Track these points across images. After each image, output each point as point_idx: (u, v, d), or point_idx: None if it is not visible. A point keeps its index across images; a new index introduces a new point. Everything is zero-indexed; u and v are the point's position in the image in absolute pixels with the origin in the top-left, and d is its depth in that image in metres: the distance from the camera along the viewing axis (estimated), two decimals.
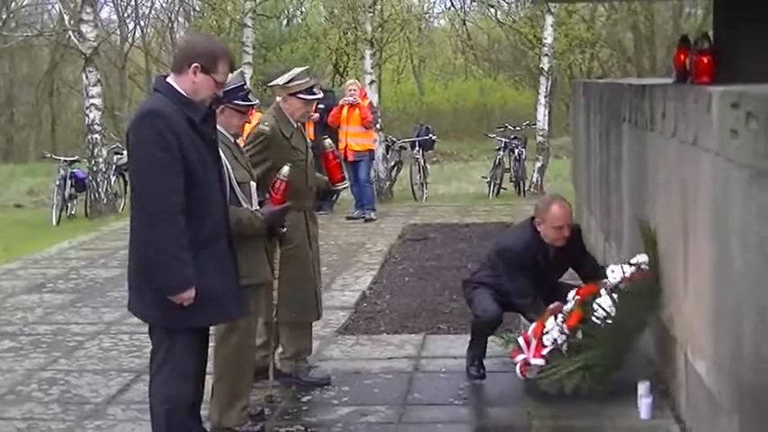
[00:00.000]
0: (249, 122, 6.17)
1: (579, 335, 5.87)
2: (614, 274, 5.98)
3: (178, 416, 4.73)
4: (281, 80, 6.38)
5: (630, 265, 5.98)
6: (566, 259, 6.54)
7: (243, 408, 5.56)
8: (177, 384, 4.70)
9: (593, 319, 5.83)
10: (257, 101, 5.84)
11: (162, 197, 4.43)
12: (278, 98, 6.38)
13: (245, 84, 5.62)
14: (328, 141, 6.71)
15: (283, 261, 6.03)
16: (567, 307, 6.01)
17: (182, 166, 4.46)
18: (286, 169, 5.74)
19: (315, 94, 6.43)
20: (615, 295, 5.85)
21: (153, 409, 4.78)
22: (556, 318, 6.00)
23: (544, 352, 5.96)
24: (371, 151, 14.81)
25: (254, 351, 5.70)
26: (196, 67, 4.55)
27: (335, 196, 6.96)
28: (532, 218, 6.44)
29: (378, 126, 15.87)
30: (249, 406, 5.65)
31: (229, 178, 5.31)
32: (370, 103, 14.82)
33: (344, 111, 14.06)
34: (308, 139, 6.64)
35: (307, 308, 6.39)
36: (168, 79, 4.62)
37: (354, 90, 14.29)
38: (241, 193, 5.41)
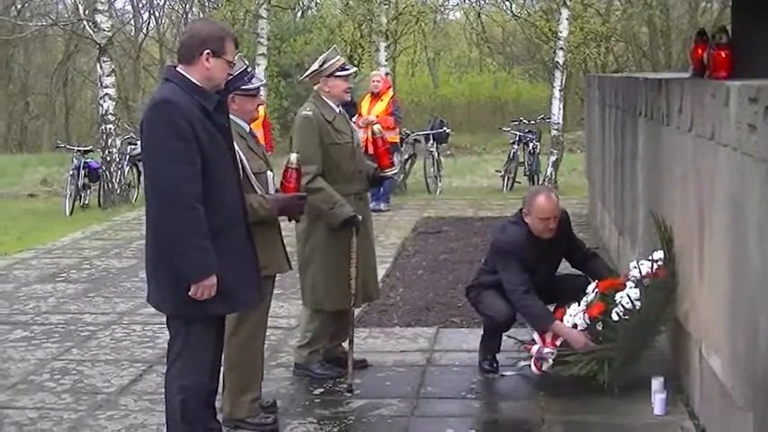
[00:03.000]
0: (262, 104, 6.19)
1: (599, 326, 5.84)
2: (637, 269, 5.95)
3: (193, 406, 4.73)
4: (315, 66, 6.42)
5: (653, 261, 5.94)
6: (557, 247, 6.39)
7: (253, 399, 5.56)
8: (193, 375, 4.70)
9: (616, 312, 5.80)
10: (263, 80, 5.87)
11: (180, 186, 4.42)
12: (315, 86, 6.40)
13: (248, 66, 5.65)
14: (377, 127, 6.79)
15: (320, 245, 6.14)
16: (588, 298, 6.00)
17: (197, 155, 4.46)
18: (294, 157, 5.69)
19: (348, 69, 6.45)
20: (640, 289, 5.82)
21: (168, 400, 4.78)
22: (579, 304, 5.98)
23: (558, 342, 5.96)
24: (394, 143, 14.72)
25: (263, 342, 5.69)
26: (208, 53, 4.57)
27: (384, 182, 7.03)
28: (521, 209, 6.34)
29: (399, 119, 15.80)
30: (260, 398, 5.64)
31: (244, 169, 5.31)
32: (393, 97, 14.69)
33: (367, 102, 13.99)
34: (353, 124, 6.69)
35: (330, 296, 6.29)
36: (179, 69, 4.63)
37: (378, 81, 14.14)
38: (257, 183, 5.41)
